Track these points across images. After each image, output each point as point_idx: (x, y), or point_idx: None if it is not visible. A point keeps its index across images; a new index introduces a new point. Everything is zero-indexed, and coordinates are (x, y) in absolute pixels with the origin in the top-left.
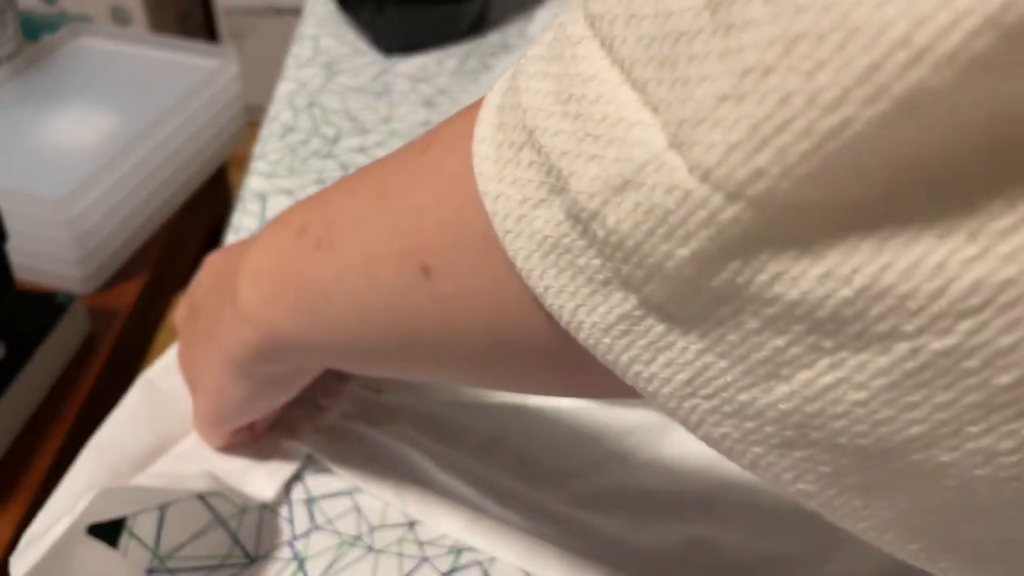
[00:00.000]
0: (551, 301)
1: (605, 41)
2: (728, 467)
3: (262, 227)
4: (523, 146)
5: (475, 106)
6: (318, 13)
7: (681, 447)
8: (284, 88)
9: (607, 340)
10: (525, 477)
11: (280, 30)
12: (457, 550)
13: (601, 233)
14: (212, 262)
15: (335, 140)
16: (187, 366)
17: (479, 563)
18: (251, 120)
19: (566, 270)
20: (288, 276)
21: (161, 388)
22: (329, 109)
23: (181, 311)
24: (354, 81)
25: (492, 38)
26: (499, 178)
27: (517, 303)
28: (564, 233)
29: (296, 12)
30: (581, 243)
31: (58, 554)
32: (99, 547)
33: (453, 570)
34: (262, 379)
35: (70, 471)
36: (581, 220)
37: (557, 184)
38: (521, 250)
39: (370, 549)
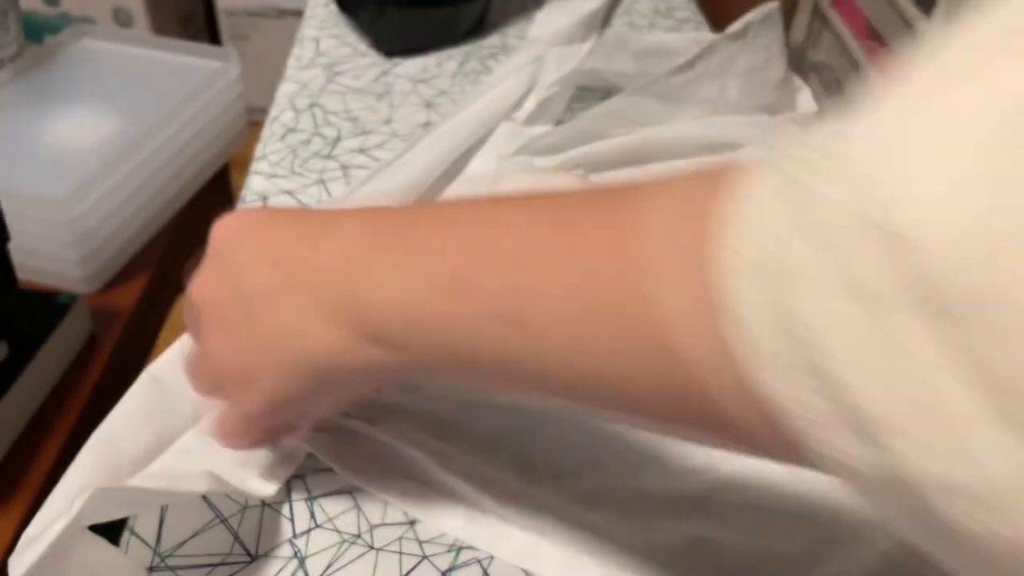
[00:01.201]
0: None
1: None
2: (728, 467)
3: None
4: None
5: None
6: (319, 15)
7: (681, 447)
8: (285, 89)
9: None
10: (525, 477)
11: (281, 32)
12: (457, 548)
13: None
14: (256, 238)
15: (336, 141)
16: (234, 356)
17: (478, 561)
18: (253, 121)
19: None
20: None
21: (164, 382)
22: (330, 110)
23: (207, 286)
24: (355, 82)
25: (492, 40)
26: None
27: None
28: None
29: (297, 14)
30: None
31: (55, 554)
32: (101, 545)
33: (452, 568)
34: (337, 382)
35: (68, 470)
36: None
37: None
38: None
39: (370, 547)
